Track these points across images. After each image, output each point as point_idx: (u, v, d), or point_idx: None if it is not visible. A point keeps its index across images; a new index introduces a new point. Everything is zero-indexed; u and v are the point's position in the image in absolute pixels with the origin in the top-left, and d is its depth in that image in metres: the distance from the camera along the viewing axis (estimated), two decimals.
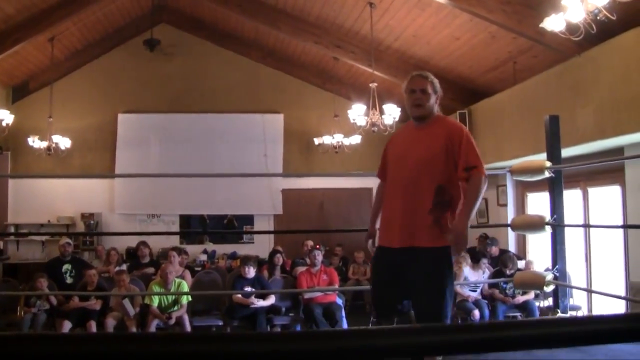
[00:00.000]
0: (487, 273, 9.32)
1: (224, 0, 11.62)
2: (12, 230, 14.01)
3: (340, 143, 13.16)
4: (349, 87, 14.27)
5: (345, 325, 8.90)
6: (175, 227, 14.50)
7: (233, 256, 13.73)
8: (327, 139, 13.36)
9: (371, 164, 14.03)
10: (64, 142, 13.30)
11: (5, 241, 13.79)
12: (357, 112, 10.76)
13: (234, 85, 14.48)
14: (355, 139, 12.80)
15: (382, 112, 10.54)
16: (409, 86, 4.07)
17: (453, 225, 3.81)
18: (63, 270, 9.73)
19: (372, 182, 14.36)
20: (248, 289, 8.59)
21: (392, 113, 10.49)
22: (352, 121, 10.91)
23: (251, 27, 13.46)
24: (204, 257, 13.84)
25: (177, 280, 8.70)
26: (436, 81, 4.11)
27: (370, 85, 10.69)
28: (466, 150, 3.86)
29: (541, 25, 6.38)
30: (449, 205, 3.88)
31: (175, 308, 8.48)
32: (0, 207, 14.11)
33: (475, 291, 9.06)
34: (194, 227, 14.76)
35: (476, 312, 8.60)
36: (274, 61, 14.65)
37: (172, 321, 8.33)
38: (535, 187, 10.63)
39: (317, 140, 13.69)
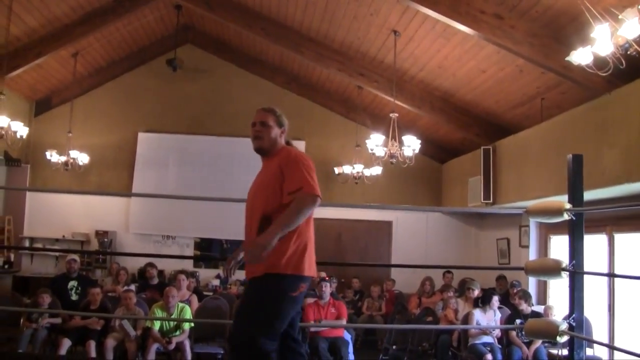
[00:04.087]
0: (499, 315, 8.90)
1: (248, 23, 11.47)
2: (28, 243, 14.06)
3: (360, 173, 12.92)
4: (372, 117, 14.04)
5: None
6: (190, 250, 14.33)
7: (245, 283, 13.45)
8: (347, 169, 13.13)
9: (391, 197, 13.81)
10: (82, 158, 13.28)
11: (19, 254, 13.71)
12: (376, 142, 10.49)
13: (256, 109, 14.25)
14: (376, 170, 12.55)
15: (401, 144, 10.25)
16: (252, 120, 4.10)
17: (259, 237, 3.66)
18: (69, 287, 9.68)
19: (391, 215, 14.15)
20: None
21: (411, 145, 10.18)
22: (370, 151, 10.65)
23: (276, 52, 13.33)
24: (216, 282, 13.59)
25: (181, 304, 8.49)
26: (283, 116, 4.15)
27: (391, 115, 10.44)
28: (291, 173, 3.78)
29: (567, 58, 6.08)
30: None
31: (177, 333, 8.26)
32: (17, 220, 14.11)
33: (488, 334, 8.64)
34: (214, 251, 14.55)
35: (489, 357, 8.21)
36: (298, 87, 14.50)
37: (172, 346, 8.13)
38: (559, 229, 10.27)
39: (337, 170, 13.46)
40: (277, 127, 4.08)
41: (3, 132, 10.19)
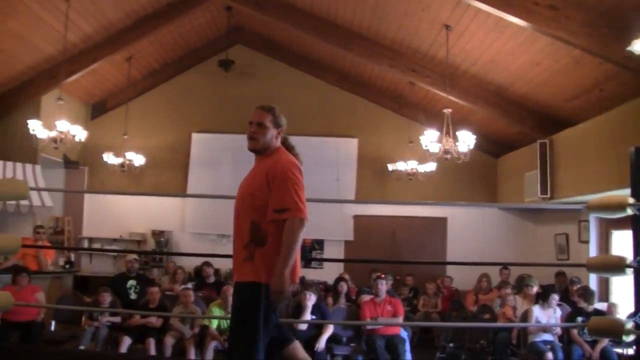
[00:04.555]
0: (559, 312, 8.71)
1: (299, 22, 11.49)
2: (86, 243, 14.45)
3: (414, 170, 12.83)
4: (424, 113, 13.94)
5: (409, 359, 8.52)
6: None
7: (301, 281, 13.46)
8: (400, 165, 13.05)
9: (445, 193, 13.69)
10: (138, 160, 13.48)
11: (79, 254, 14.00)
12: (430, 139, 10.40)
13: (308, 107, 14.34)
14: (430, 166, 12.45)
15: (455, 139, 10.14)
16: (249, 119, 4.02)
17: (272, 282, 3.70)
18: (128, 286, 9.80)
19: (446, 212, 14.00)
20: (308, 317, 8.32)
21: (466, 140, 10.06)
22: (424, 147, 10.56)
23: (326, 50, 13.32)
24: None
25: None
26: (281, 116, 4.08)
27: (444, 111, 10.34)
28: (279, 190, 3.77)
29: (628, 48, 5.94)
30: (263, 242, 3.78)
31: None
32: (76, 221, 14.40)
33: (548, 332, 8.46)
34: None
35: (549, 355, 8.05)
36: (349, 85, 14.48)
37: None
38: (622, 224, 10.01)
39: (390, 167, 13.39)
40: (274, 127, 4.02)
41: (63, 136, 10.40)
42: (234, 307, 3.85)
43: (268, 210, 3.76)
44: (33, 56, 11.46)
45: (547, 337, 8.34)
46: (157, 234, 14.22)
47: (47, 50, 11.33)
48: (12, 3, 9.68)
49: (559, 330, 8.43)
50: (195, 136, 14.51)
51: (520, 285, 10.39)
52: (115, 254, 14.04)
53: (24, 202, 10.96)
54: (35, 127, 10.53)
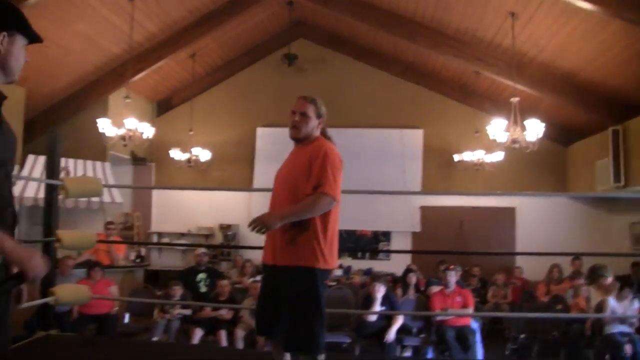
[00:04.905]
0: (637, 304, 8.46)
1: (362, 14, 11.45)
2: (155, 238, 14.73)
3: (481, 160, 12.69)
4: (490, 102, 13.75)
5: (480, 350, 8.44)
6: None
7: (368, 272, 13.46)
8: (467, 156, 12.92)
9: (514, 182, 13.49)
10: (204, 155, 13.65)
11: (148, 248, 14.29)
12: (497, 128, 10.26)
13: (372, 99, 14.32)
14: (497, 156, 12.29)
15: (523, 128, 9.98)
16: (292, 108, 4.16)
17: (271, 215, 3.82)
18: (198, 279, 9.95)
19: (515, 202, 13.82)
20: (377, 308, 8.31)
21: (534, 129, 9.89)
22: (491, 137, 10.42)
23: (390, 42, 13.26)
24: (339, 272, 13.65)
25: None
26: (323, 107, 4.21)
27: (512, 99, 10.18)
28: (319, 170, 3.87)
29: None
30: (305, 226, 3.85)
31: None
32: (145, 216, 14.67)
33: (624, 324, 8.22)
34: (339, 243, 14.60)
35: (627, 347, 7.84)
36: (413, 75, 14.38)
37: None
38: None
39: (456, 157, 13.27)
40: (316, 118, 4.15)
41: (131, 134, 10.61)
42: (288, 291, 3.88)
43: (308, 189, 3.86)
44: (100, 56, 11.71)
45: (624, 328, 8.11)
46: (225, 228, 14.40)
47: (113, 50, 11.57)
48: (81, 7, 9.91)
49: (636, 322, 8.20)
50: (260, 130, 14.60)
51: (593, 276, 10.14)
52: (183, 248, 14.28)
53: (95, 199, 11.20)
54: (105, 125, 10.76)
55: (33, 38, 2.53)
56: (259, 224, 3.77)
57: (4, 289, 2.45)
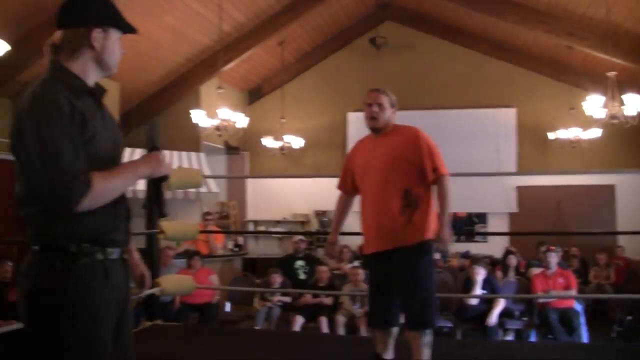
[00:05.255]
0: None
1: None
2: (252, 226, 15.01)
3: (577, 137, 12.36)
4: (585, 77, 13.29)
5: (584, 333, 8.24)
6: None
7: (466, 255, 13.31)
8: (562, 134, 12.61)
9: (613, 159, 13.08)
10: (297, 142, 13.77)
11: (245, 237, 14.50)
12: (594, 104, 9.96)
13: (462, 79, 14.12)
14: (595, 133, 11.95)
15: (622, 103, 9.64)
16: (365, 100, 4.42)
17: (439, 236, 4.18)
18: (296, 266, 10.05)
19: (614, 179, 13.39)
20: (478, 291, 8.22)
21: (634, 103, 9.54)
22: (587, 114, 10.13)
23: (478, 19, 13.01)
24: (437, 256, 13.53)
25: None
26: (393, 96, 4.44)
27: (608, 74, 9.85)
28: (430, 154, 4.21)
29: None
30: (417, 204, 4.19)
31: None
32: (240, 205, 14.92)
33: None
34: None
35: None
36: (502, 53, 14.07)
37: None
38: None
39: (551, 135, 12.97)
40: (390, 107, 4.40)
41: (225, 124, 10.76)
42: (408, 267, 4.18)
43: (426, 173, 4.19)
44: (190, 48, 11.92)
45: None
46: (320, 214, 14.52)
47: (203, 41, 11.75)
48: (171, 0, 10.07)
49: None
50: (351, 115, 14.56)
51: None
52: (280, 235, 14.43)
53: (192, 190, 11.41)
54: (199, 116, 10.93)
55: (127, 29, 2.55)
56: (447, 245, 4.22)
57: (156, 206, 2.60)
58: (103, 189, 2.26)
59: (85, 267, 2.32)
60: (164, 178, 2.55)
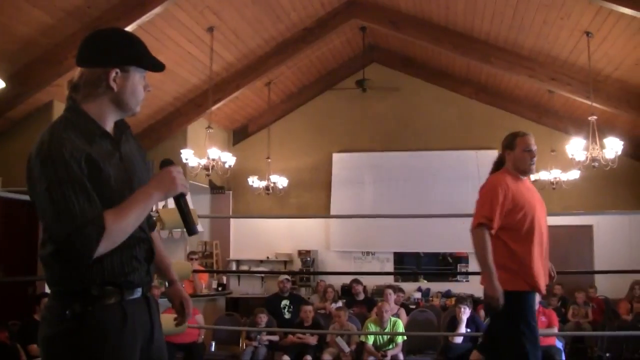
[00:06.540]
0: None
1: (435, 38, 11.52)
2: (234, 265, 14.89)
3: (557, 179, 12.63)
4: (566, 121, 13.62)
5: None
6: (390, 265, 14.53)
7: (447, 294, 13.48)
8: (543, 175, 12.87)
9: (591, 201, 13.35)
10: (281, 182, 13.86)
11: (227, 276, 14.47)
12: (576, 147, 10.25)
13: (446, 122, 14.38)
14: (574, 175, 12.22)
15: (602, 146, 9.94)
16: (528, 143, 4.42)
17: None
18: (282, 305, 10.16)
19: (592, 220, 13.61)
20: (462, 330, 8.37)
21: (614, 147, 9.85)
22: (570, 156, 10.41)
23: (462, 63, 13.31)
24: (418, 295, 13.70)
25: (393, 318, 8.73)
26: None
27: (589, 118, 10.15)
28: None
29: None
30: None
31: (391, 347, 8.48)
32: (224, 244, 14.92)
33: None
34: (407, 264, 14.68)
35: None
36: (486, 96, 14.37)
37: (387, 359, 8.31)
38: None
39: (533, 177, 13.21)
40: None
41: (214, 163, 10.87)
42: None
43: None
44: (180, 87, 12.01)
45: None
46: (303, 254, 14.51)
47: (192, 81, 11.88)
48: (161, 39, 10.20)
49: None
50: (336, 156, 14.77)
51: None
52: (263, 275, 14.48)
53: (176, 229, 11.46)
54: (188, 155, 11.04)
55: (151, 67, 2.44)
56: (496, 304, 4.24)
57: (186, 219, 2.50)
58: (118, 228, 2.17)
59: (102, 310, 2.26)
60: (182, 195, 2.42)
